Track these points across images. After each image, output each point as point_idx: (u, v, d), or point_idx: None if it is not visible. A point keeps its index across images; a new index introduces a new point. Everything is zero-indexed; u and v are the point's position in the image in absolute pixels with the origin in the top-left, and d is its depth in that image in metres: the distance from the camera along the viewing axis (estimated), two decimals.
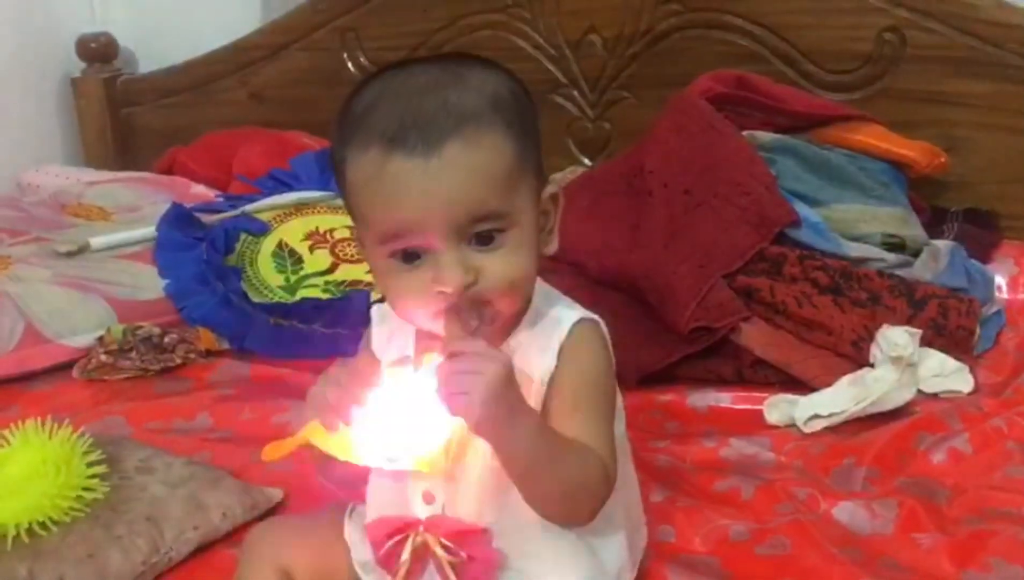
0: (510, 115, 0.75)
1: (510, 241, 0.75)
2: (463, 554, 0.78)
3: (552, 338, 0.79)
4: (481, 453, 0.77)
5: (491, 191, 0.73)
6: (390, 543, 0.80)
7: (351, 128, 0.75)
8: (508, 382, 0.72)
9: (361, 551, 0.87)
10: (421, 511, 0.80)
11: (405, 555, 0.79)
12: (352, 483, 0.83)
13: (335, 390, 0.74)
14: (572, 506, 0.78)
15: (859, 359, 1.29)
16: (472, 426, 0.72)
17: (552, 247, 0.81)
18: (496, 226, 0.74)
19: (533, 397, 0.77)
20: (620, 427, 0.85)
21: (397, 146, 0.72)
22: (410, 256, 0.74)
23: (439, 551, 0.78)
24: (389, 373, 0.77)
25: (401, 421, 0.74)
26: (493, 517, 0.79)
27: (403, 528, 0.80)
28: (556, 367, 0.78)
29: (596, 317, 0.82)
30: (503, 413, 0.72)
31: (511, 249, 0.75)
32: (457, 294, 0.73)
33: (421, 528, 0.79)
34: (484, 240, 0.74)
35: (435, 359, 0.75)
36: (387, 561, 0.81)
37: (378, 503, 0.83)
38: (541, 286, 0.82)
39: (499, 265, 0.74)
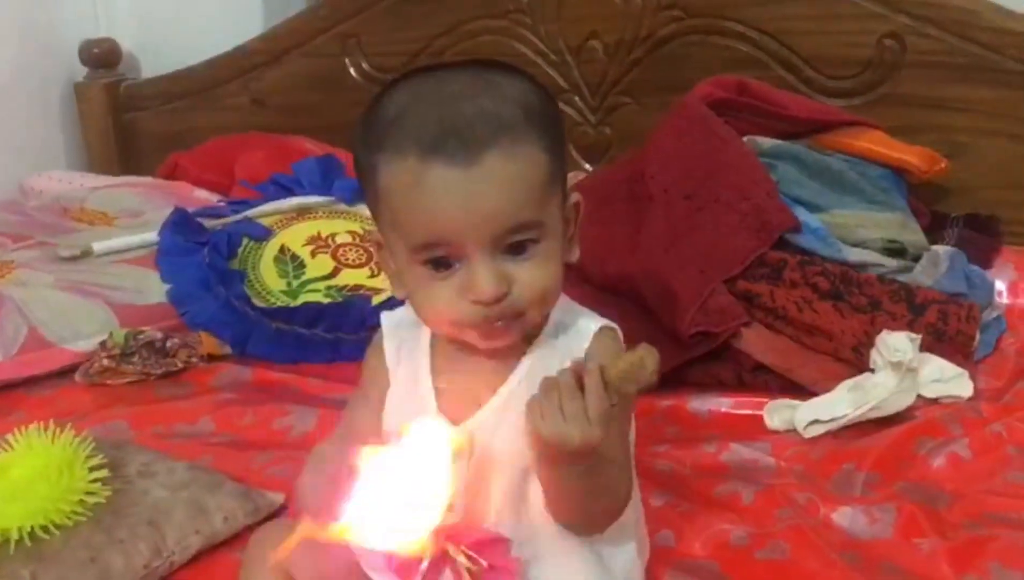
0: (542, 125, 0.75)
1: (541, 251, 0.75)
2: (484, 562, 0.78)
3: (576, 347, 0.80)
4: (499, 464, 0.78)
5: (528, 202, 0.73)
6: None
7: (382, 133, 0.74)
8: (575, 452, 0.71)
9: (367, 555, 0.87)
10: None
11: (424, 563, 0.78)
12: None
13: (324, 485, 0.73)
14: (595, 520, 0.80)
15: (859, 364, 1.29)
16: (532, 443, 0.73)
17: (574, 255, 0.81)
18: (530, 237, 0.74)
19: None
20: (631, 437, 0.85)
21: (437, 153, 0.71)
22: (441, 264, 0.74)
23: (461, 559, 0.78)
24: (375, 452, 0.74)
25: (394, 503, 0.72)
26: (510, 526, 0.79)
27: None
28: None
29: (615, 325, 0.83)
30: (552, 463, 0.73)
31: (542, 259, 0.75)
32: (492, 304, 0.73)
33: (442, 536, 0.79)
34: (516, 250, 0.74)
35: (416, 429, 0.74)
36: (403, 570, 0.80)
37: None
38: (560, 296, 0.82)
39: (531, 275, 0.74)
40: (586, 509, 0.79)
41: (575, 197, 0.80)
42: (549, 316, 0.80)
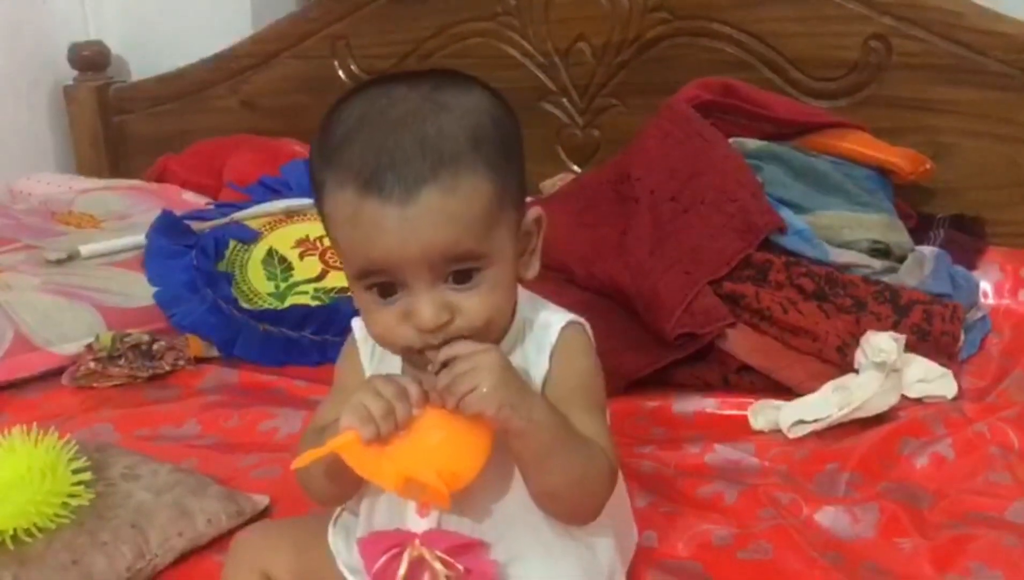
0: (491, 150, 0.74)
1: (488, 279, 0.74)
2: (461, 568, 0.78)
3: (542, 342, 0.80)
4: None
5: (468, 235, 0.72)
6: (385, 557, 0.79)
7: (329, 155, 0.74)
8: (507, 364, 0.73)
9: (347, 557, 0.87)
10: (415, 524, 0.79)
11: (402, 570, 0.78)
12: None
13: (381, 404, 0.72)
14: (581, 497, 0.79)
15: (844, 365, 1.29)
16: (494, 415, 0.72)
17: (533, 271, 0.81)
18: (474, 266, 0.74)
19: None
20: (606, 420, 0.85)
21: (373, 189, 0.70)
22: (386, 290, 0.74)
23: (437, 565, 0.77)
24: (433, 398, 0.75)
25: (438, 450, 0.73)
26: (489, 526, 0.79)
27: (399, 543, 0.79)
28: (548, 370, 0.79)
29: (581, 319, 0.83)
30: (515, 392, 0.73)
31: (488, 287, 0.74)
32: (433, 332, 0.73)
33: (418, 542, 0.78)
34: (462, 278, 0.74)
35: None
36: (381, 577, 0.80)
37: (371, 515, 0.83)
38: (524, 292, 0.82)
39: (476, 304, 0.74)
40: (567, 492, 0.78)
41: (535, 213, 0.80)
42: (515, 316, 0.80)
